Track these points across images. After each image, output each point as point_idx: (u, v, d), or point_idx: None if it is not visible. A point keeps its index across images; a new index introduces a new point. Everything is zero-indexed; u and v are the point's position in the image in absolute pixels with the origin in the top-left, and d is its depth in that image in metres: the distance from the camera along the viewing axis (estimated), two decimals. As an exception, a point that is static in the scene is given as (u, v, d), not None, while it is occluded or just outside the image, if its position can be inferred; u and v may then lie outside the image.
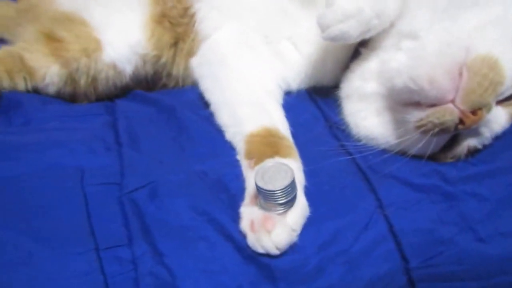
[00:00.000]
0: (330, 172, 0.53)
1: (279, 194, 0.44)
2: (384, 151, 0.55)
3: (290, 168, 0.46)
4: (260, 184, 0.44)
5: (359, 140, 0.57)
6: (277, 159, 0.50)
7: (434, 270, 0.47)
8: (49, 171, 0.51)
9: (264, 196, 0.45)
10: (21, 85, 0.66)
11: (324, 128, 0.60)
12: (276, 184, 0.44)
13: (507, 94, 0.49)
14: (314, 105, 0.63)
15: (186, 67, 0.69)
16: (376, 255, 0.47)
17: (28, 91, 0.67)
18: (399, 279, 0.47)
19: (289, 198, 0.45)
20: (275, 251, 0.44)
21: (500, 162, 0.53)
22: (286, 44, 0.64)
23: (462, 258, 0.47)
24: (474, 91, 0.45)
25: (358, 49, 0.59)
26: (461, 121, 0.46)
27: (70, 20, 0.65)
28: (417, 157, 0.52)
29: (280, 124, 0.57)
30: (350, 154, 0.55)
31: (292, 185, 0.45)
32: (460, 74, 0.45)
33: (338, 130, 0.59)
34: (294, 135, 0.57)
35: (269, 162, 0.48)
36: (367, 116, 0.56)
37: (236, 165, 0.54)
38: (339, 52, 0.61)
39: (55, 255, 0.44)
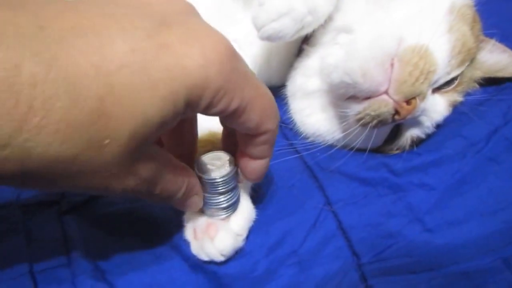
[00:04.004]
0: (278, 172, 0.51)
1: (219, 182, 0.42)
2: (331, 146, 0.54)
3: (231, 157, 0.43)
4: (201, 174, 0.42)
5: (307, 138, 0.56)
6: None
7: (385, 264, 0.46)
8: None
9: (207, 185, 0.42)
10: None
11: (273, 128, 0.59)
12: (217, 172, 0.42)
13: (442, 81, 0.49)
14: (263, 106, 0.62)
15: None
16: (326, 253, 0.46)
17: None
18: (352, 276, 0.46)
19: (230, 199, 0.43)
20: (219, 258, 0.43)
21: (445, 150, 0.53)
22: None
23: (411, 250, 0.46)
24: (406, 81, 0.44)
25: (302, 47, 0.58)
26: (396, 112, 0.46)
27: None
28: (363, 150, 0.52)
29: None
30: (298, 152, 0.54)
31: (231, 176, 0.42)
32: (392, 65, 0.45)
33: (286, 129, 0.58)
34: (243, 138, 0.56)
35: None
36: (312, 113, 0.55)
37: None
38: (283, 51, 0.60)
39: None
